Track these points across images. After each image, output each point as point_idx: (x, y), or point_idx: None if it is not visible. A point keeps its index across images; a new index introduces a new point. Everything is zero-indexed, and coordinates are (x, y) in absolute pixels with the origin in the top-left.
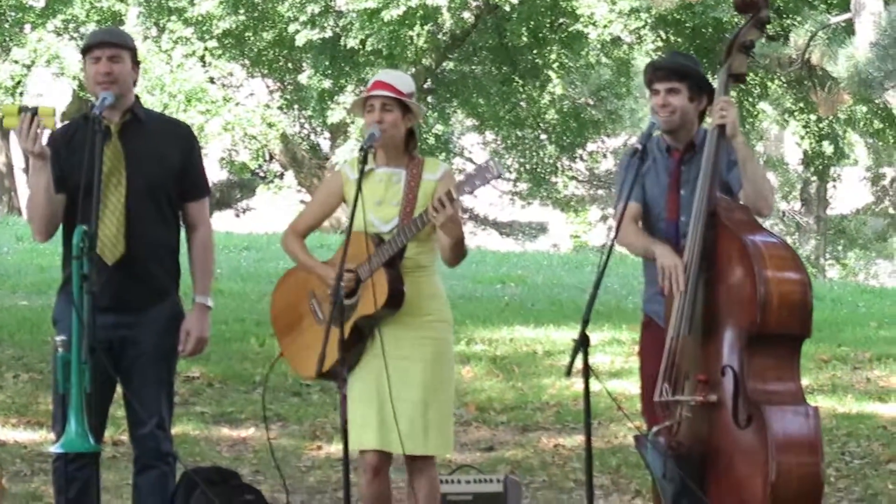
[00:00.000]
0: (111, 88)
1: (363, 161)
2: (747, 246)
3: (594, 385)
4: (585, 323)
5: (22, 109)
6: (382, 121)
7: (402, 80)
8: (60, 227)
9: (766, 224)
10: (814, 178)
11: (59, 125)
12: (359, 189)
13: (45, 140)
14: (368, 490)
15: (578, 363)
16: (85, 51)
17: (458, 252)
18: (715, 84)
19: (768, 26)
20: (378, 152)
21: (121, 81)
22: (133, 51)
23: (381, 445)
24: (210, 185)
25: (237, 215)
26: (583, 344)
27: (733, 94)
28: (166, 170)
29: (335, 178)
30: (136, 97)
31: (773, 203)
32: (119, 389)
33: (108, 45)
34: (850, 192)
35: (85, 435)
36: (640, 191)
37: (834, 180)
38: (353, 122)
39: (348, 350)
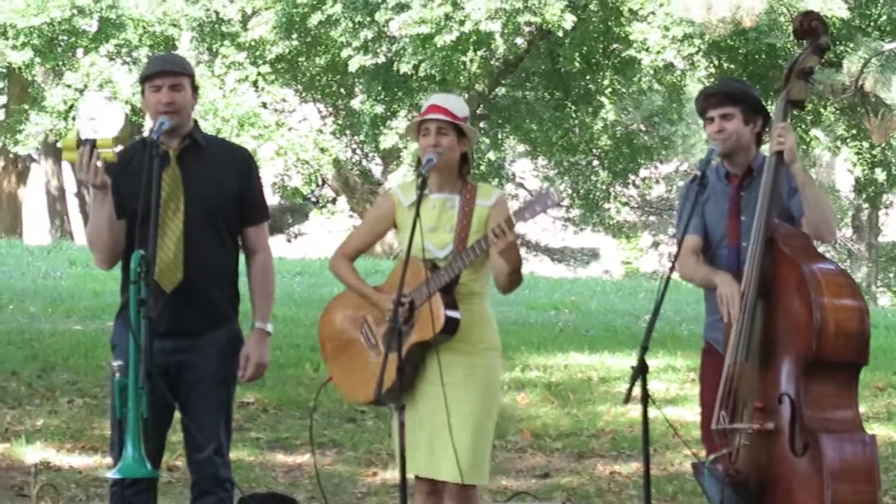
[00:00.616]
0: (173, 118)
1: (421, 186)
2: (804, 273)
3: (651, 412)
4: (644, 350)
5: (80, 143)
6: (438, 144)
7: (457, 104)
8: None
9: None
10: (865, 205)
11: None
12: (416, 215)
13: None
14: None
15: (636, 390)
16: (145, 78)
17: (514, 279)
18: (769, 107)
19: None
20: (431, 177)
21: (182, 110)
22: (192, 77)
23: (428, 472)
24: (269, 210)
25: (289, 240)
26: (641, 371)
27: (788, 120)
28: (225, 194)
29: (386, 202)
30: (195, 122)
31: (835, 229)
32: (177, 415)
33: (169, 73)
34: None
35: (142, 460)
36: (699, 221)
37: (886, 207)
38: (405, 148)
39: (401, 376)
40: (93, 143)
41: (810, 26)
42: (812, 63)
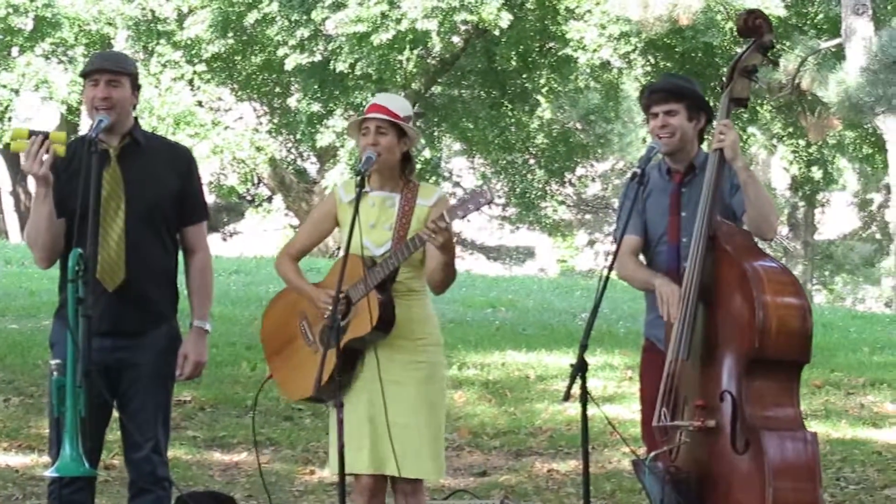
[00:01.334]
0: (108, 114)
1: (360, 185)
2: (747, 270)
3: (589, 410)
4: (584, 348)
5: (32, 133)
6: (377, 143)
7: (399, 104)
8: None
9: None
10: (802, 203)
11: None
12: (356, 212)
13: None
14: None
15: (575, 388)
16: (84, 75)
17: (448, 275)
18: (712, 104)
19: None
20: (372, 176)
21: (118, 107)
22: (133, 76)
23: (375, 469)
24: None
25: (224, 239)
26: (581, 369)
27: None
28: (165, 193)
29: (329, 201)
30: (136, 120)
31: (776, 226)
32: (115, 413)
33: (108, 71)
34: (837, 218)
35: (80, 459)
36: (639, 220)
37: (822, 205)
38: (342, 146)
39: (338, 373)
40: (46, 135)
41: (754, 24)
42: (755, 61)
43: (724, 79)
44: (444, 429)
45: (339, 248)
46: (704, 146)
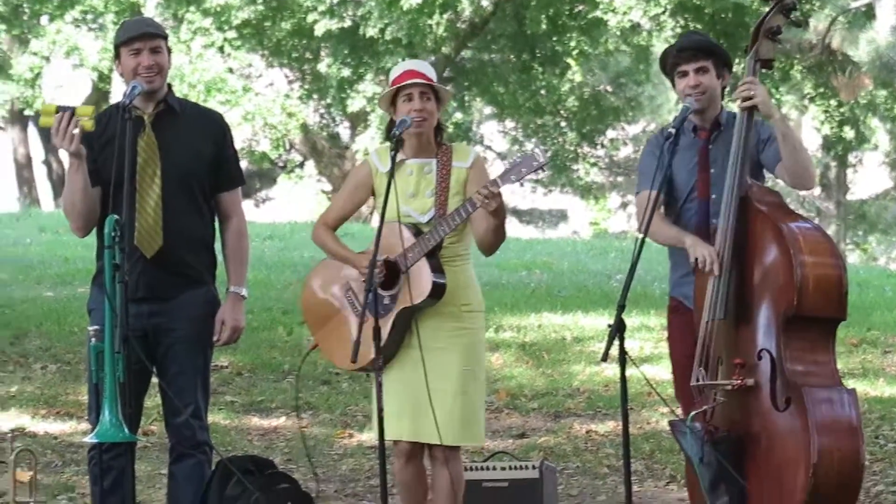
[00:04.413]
0: (154, 81)
1: (395, 149)
2: (783, 230)
3: (627, 371)
4: (621, 308)
5: (60, 109)
6: (423, 109)
7: (430, 70)
8: None
9: None
10: (834, 163)
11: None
12: (392, 177)
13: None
14: (402, 476)
15: (613, 349)
16: (123, 42)
17: (499, 237)
18: (741, 65)
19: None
20: (407, 143)
21: (162, 73)
22: (167, 40)
23: (414, 436)
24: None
25: (256, 205)
26: (618, 329)
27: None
28: (200, 160)
29: (363, 169)
30: (169, 87)
31: (815, 175)
32: (154, 380)
33: (150, 36)
34: (870, 177)
35: (119, 424)
36: (662, 178)
37: (854, 165)
38: (372, 111)
39: (387, 342)
40: (72, 110)
41: None
42: (778, 22)
43: (749, 41)
44: (484, 394)
45: (372, 214)
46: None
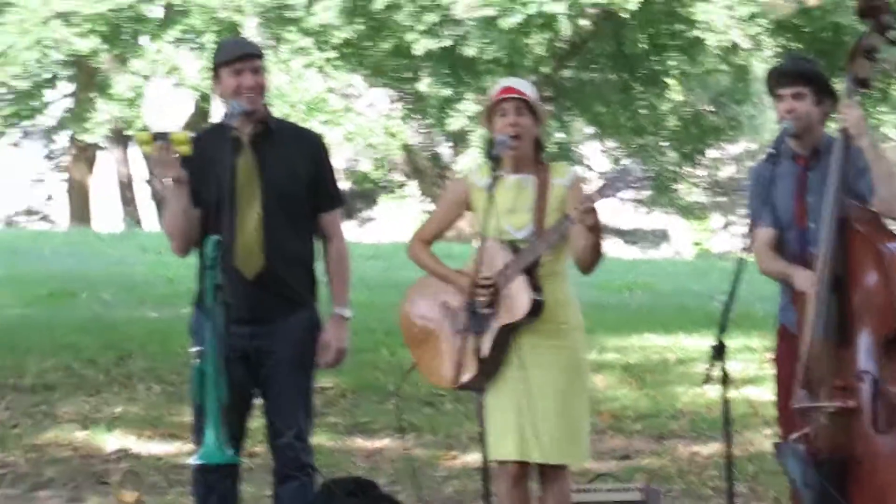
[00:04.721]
0: (255, 102)
1: (495, 168)
2: (882, 251)
3: (729, 392)
4: (722, 330)
5: (156, 136)
6: (517, 124)
7: (529, 88)
8: None
9: None
10: None
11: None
12: (493, 195)
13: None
14: (508, 499)
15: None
16: (223, 63)
17: (597, 255)
18: (837, 86)
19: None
20: (506, 160)
21: (264, 93)
22: (263, 59)
23: (520, 455)
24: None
25: (359, 225)
26: (720, 351)
27: (857, 99)
28: (299, 180)
29: (459, 186)
30: (266, 107)
31: None
32: (258, 401)
33: (251, 56)
34: None
35: (222, 446)
36: (770, 212)
37: None
38: (473, 130)
39: (487, 360)
40: (168, 140)
41: (873, 5)
42: (876, 42)
43: (846, 61)
44: (588, 412)
45: (473, 232)
46: (831, 130)
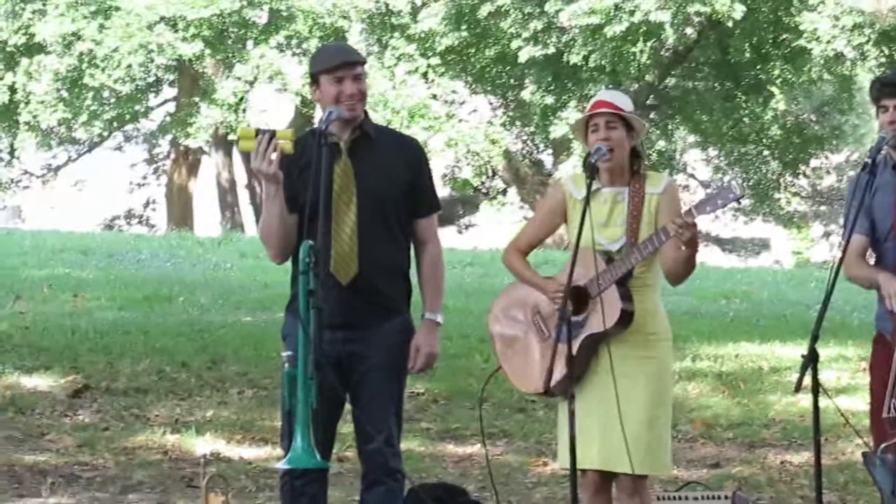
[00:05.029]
0: (357, 108)
1: (591, 177)
2: None
3: (821, 401)
4: (815, 339)
5: (259, 132)
6: (608, 139)
7: (623, 99)
8: None
9: None
10: None
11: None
12: (587, 205)
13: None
14: None
15: (807, 379)
16: (324, 70)
17: (689, 268)
18: None
19: None
20: (602, 172)
21: (365, 100)
22: (364, 65)
23: (602, 465)
24: (440, 201)
25: (459, 232)
26: (812, 360)
27: None
28: (396, 186)
29: (556, 194)
30: (366, 113)
31: None
32: (348, 406)
33: (353, 64)
34: None
35: (311, 451)
36: (865, 220)
37: None
38: (575, 138)
39: (574, 368)
40: (272, 133)
41: None
42: None
43: None
44: (670, 422)
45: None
46: None
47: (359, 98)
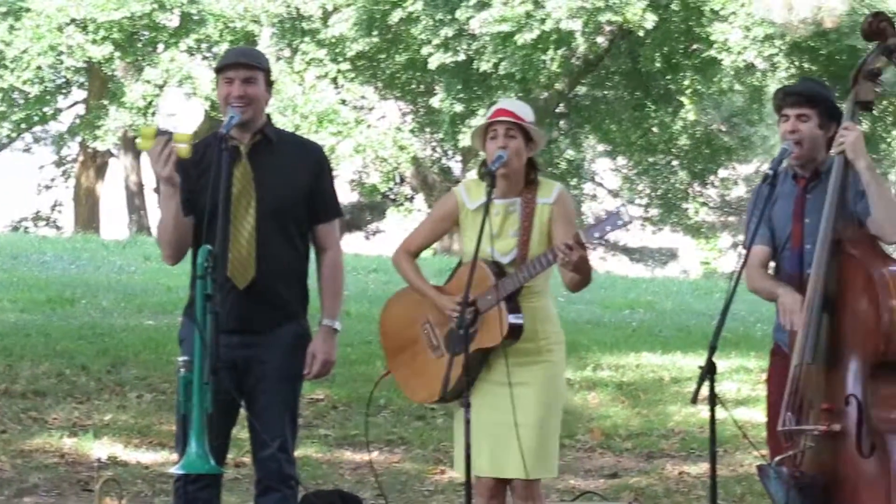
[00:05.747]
0: (244, 112)
1: (491, 185)
2: (872, 274)
3: (720, 413)
4: (712, 350)
5: (159, 132)
6: (506, 147)
7: (524, 109)
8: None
9: (893, 252)
10: None
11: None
12: (486, 214)
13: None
14: None
15: (704, 391)
16: (219, 70)
17: (583, 283)
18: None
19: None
20: (498, 181)
21: (254, 103)
22: (267, 72)
23: (492, 472)
24: (341, 206)
25: (367, 238)
26: (709, 371)
27: (865, 122)
28: (296, 191)
29: (449, 201)
30: (268, 117)
31: None
32: (244, 411)
33: (243, 66)
34: None
35: (205, 456)
36: (766, 231)
37: None
38: (473, 144)
39: (462, 380)
40: (170, 136)
41: (879, 27)
42: (880, 64)
43: (850, 83)
44: (559, 428)
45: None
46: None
47: (246, 101)
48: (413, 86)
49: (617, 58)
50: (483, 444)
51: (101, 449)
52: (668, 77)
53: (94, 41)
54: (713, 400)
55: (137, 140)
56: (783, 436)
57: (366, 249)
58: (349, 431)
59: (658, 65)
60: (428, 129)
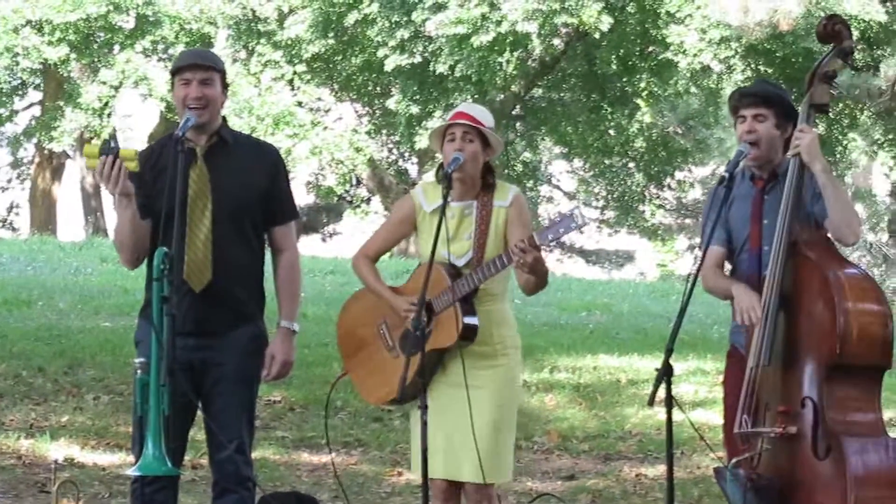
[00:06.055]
0: (200, 114)
1: (448, 187)
2: (828, 276)
3: (677, 415)
4: (669, 352)
5: (103, 151)
6: (463, 150)
7: (483, 114)
8: None
9: (853, 255)
10: None
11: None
12: (442, 215)
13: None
14: None
15: (661, 393)
16: (175, 71)
17: (538, 287)
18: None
19: (857, 57)
20: (454, 184)
21: (211, 105)
22: (223, 73)
23: (446, 474)
24: (297, 209)
25: (323, 240)
26: (666, 373)
27: (822, 125)
28: (252, 193)
29: (407, 205)
30: (224, 119)
31: (857, 231)
32: (200, 413)
33: (200, 67)
34: None
35: (162, 458)
36: (722, 232)
37: None
38: (431, 145)
39: (416, 381)
40: (115, 154)
41: (833, 30)
42: (835, 67)
43: (805, 85)
44: (514, 432)
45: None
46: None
47: (203, 103)
48: (369, 88)
49: (573, 60)
50: (440, 446)
51: (58, 450)
52: (625, 79)
53: (49, 43)
54: (670, 402)
55: (86, 158)
56: (740, 438)
57: (322, 252)
58: (306, 433)
59: (614, 67)
60: (384, 131)
